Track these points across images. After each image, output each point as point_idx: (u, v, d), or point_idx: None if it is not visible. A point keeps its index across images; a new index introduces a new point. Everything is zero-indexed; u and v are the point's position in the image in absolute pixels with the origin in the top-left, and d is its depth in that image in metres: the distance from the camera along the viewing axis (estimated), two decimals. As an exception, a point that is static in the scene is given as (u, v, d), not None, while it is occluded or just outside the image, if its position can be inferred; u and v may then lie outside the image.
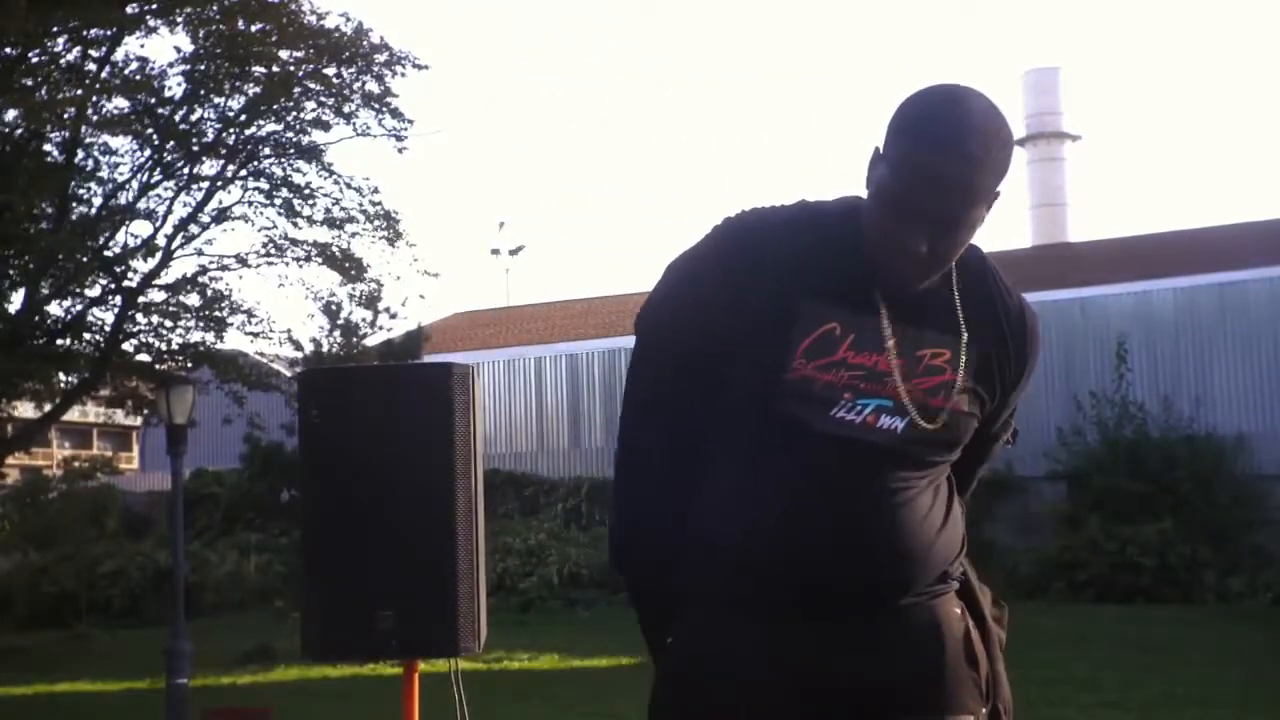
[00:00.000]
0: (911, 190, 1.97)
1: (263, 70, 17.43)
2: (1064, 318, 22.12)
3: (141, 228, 21.68)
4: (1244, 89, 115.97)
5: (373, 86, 17.77)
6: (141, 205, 18.01)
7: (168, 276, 17.99)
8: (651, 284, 2.26)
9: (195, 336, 18.32)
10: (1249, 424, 20.45)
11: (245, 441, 21.98)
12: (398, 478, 3.55)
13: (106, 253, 17.67)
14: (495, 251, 41.14)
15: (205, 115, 18.03)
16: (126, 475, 30.20)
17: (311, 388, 3.79)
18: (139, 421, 22.56)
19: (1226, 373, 21.31)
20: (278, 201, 18.18)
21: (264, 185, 18.25)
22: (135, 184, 17.95)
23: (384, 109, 17.91)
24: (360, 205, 18.23)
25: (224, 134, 18.06)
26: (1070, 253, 29.91)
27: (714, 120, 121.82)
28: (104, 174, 18.02)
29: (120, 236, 18.05)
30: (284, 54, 17.38)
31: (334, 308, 18.92)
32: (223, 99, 17.84)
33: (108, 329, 18.06)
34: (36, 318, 17.78)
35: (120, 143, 19.88)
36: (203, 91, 17.69)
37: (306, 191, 18.15)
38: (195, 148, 17.84)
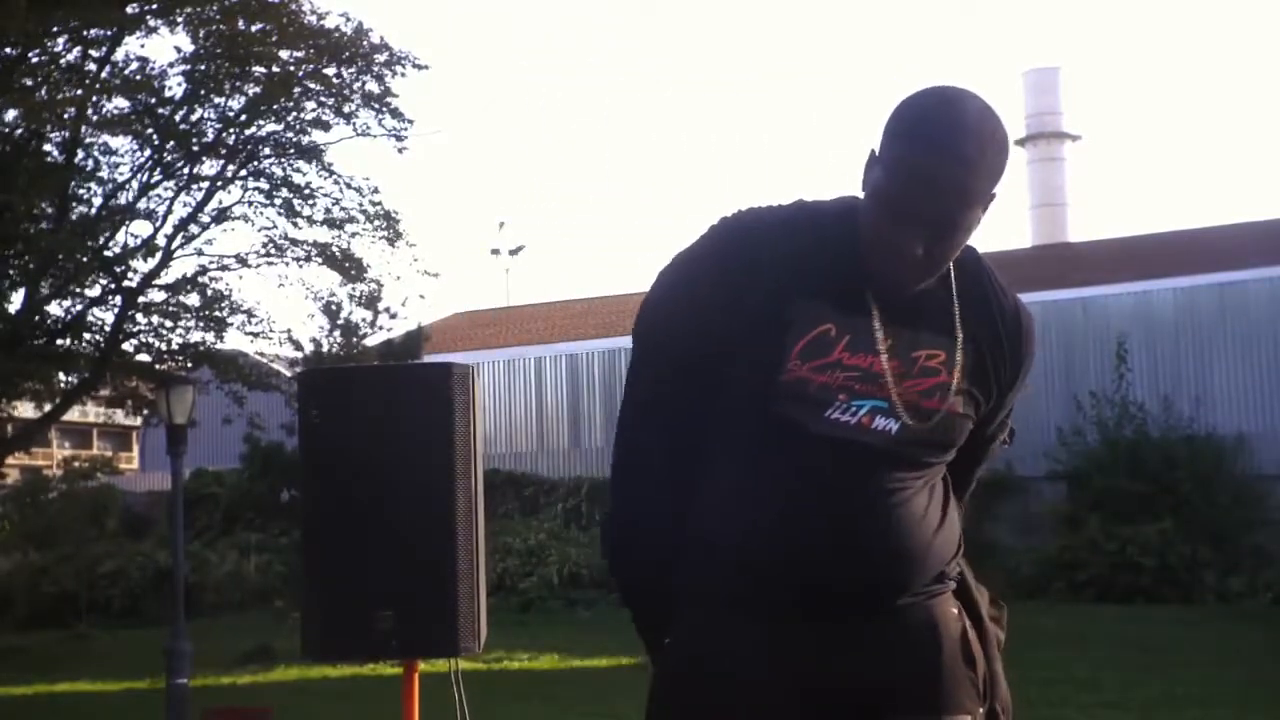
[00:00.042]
0: (907, 193, 1.97)
1: (263, 70, 17.43)
2: (1064, 318, 22.12)
3: (141, 228, 21.69)
4: (1244, 89, 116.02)
5: (373, 86, 17.78)
6: (141, 205, 18.04)
7: (168, 276, 18.02)
8: (650, 284, 2.26)
9: (195, 336, 18.35)
10: (1249, 424, 20.45)
11: (245, 441, 21.98)
12: (398, 478, 3.55)
13: (106, 253, 17.67)
14: (495, 251, 41.20)
15: (205, 115, 18.05)
16: (126, 475, 30.20)
17: (311, 388, 3.79)
18: (139, 421, 22.56)
19: (1226, 373, 21.31)
20: (278, 201, 18.19)
21: (264, 185, 18.26)
22: (135, 184, 17.97)
23: (384, 109, 17.91)
24: (360, 205, 18.25)
25: (224, 134, 18.06)
26: (1070, 253, 29.91)
27: (714, 120, 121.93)
28: (104, 174, 18.05)
29: (120, 236, 18.08)
30: (284, 54, 17.38)
31: (334, 308, 18.92)
32: (223, 99, 17.85)
33: (108, 329, 18.06)
34: (36, 318, 17.78)
35: (120, 143, 19.90)
36: (203, 91, 17.69)
37: (306, 191, 18.16)
38: (195, 148, 17.84)
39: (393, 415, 3.57)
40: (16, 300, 17.53)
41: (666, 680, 2.17)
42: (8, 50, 16.33)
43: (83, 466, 27.47)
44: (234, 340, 19.04)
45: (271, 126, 18.12)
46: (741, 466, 2.09)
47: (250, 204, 18.26)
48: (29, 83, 16.87)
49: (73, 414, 25.75)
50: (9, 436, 19.29)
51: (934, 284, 2.08)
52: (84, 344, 18.34)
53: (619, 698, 10.65)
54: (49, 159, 17.43)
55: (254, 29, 17.10)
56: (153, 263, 17.73)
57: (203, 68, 17.53)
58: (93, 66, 17.37)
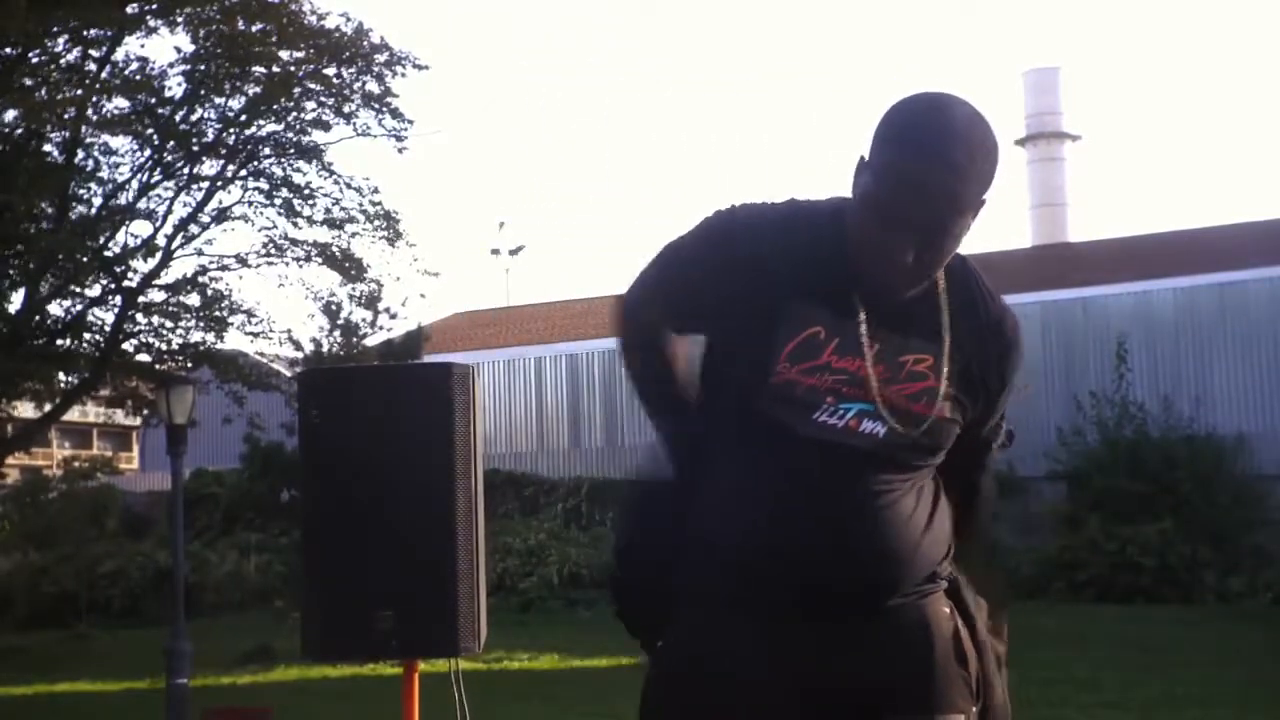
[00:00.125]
0: (897, 198, 1.98)
1: (263, 70, 17.43)
2: (1064, 318, 22.13)
3: (141, 228, 21.66)
4: (1244, 89, 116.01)
5: (373, 87, 17.78)
6: (141, 205, 18.03)
7: (168, 276, 18.02)
8: (641, 268, 2.27)
9: (195, 336, 18.34)
10: (1249, 424, 20.45)
11: (245, 441, 21.98)
12: (398, 478, 3.55)
13: (106, 253, 17.67)
14: (495, 251, 41.22)
15: (205, 115, 18.05)
16: (126, 475, 30.19)
17: (311, 388, 3.80)
18: (139, 421, 22.55)
19: (1226, 373, 21.31)
20: (278, 201, 18.19)
21: (264, 185, 18.26)
22: (135, 184, 17.96)
23: (384, 109, 17.91)
24: (360, 205, 18.25)
25: (224, 134, 18.06)
26: (1070, 253, 29.92)
27: (714, 120, 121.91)
28: (104, 174, 18.04)
29: (120, 236, 18.07)
30: (284, 54, 17.38)
31: (334, 308, 18.93)
32: (223, 99, 17.85)
33: (108, 329, 18.06)
34: (36, 318, 17.78)
35: (120, 143, 19.88)
36: (203, 91, 17.69)
37: (306, 191, 18.16)
38: (195, 148, 17.84)
39: (393, 415, 3.57)
40: (16, 300, 17.54)
41: (665, 680, 2.17)
42: (8, 50, 16.33)
43: (83, 466, 27.46)
44: (234, 340, 19.06)
45: (271, 126, 18.13)
46: (736, 467, 2.10)
47: (250, 204, 18.28)
48: (29, 83, 16.86)
49: (73, 414, 25.74)
50: (9, 436, 19.29)
51: (923, 289, 2.09)
52: (84, 344, 18.33)
53: (619, 698, 10.62)
54: (49, 159, 17.43)
55: (254, 29, 17.10)
56: (153, 263, 17.74)
57: (203, 68, 17.53)
58: (93, 66, 17.37)
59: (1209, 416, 19.94)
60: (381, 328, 19.16)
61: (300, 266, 18.49)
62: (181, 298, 18.13)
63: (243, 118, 17.88)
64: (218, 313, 18.07)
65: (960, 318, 2.13)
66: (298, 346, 18.96)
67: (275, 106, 17.71)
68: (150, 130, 17.69)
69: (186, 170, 18.08)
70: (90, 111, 17.00)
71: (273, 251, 18.28)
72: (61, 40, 16.96)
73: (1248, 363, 21.27)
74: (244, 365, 19.16)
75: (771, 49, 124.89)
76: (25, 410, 20.52)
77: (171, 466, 13.27)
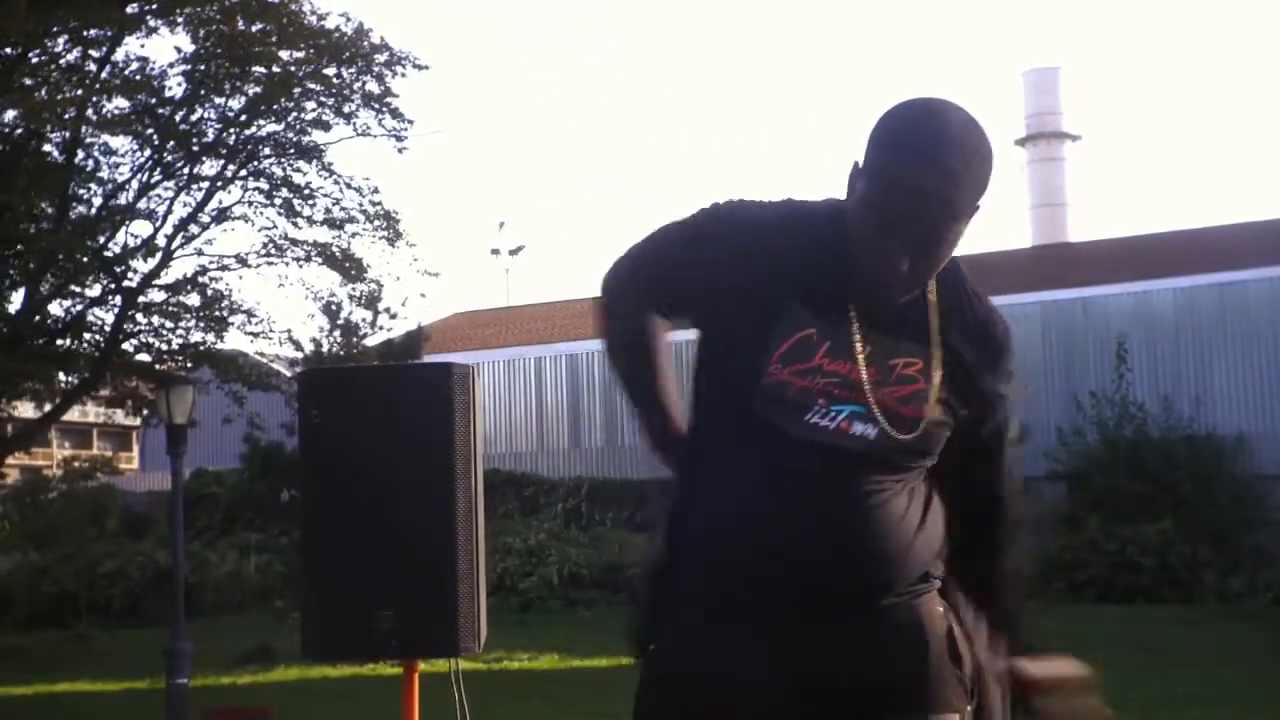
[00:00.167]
0: (892, 204, 1.98)
1: (263, 70, 17.43)
2: (1064, 318, 22.13)
3: (141, 228, 21.65)
4: (1244, 89, 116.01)
5: (373, 87, 17.79)
6: (141, 205, 18.04)
7: (168, 276, 18.03)
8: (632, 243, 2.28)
9: (195, 336, 18.34)
10: (1249, 424, 20.44)
11: (245, 441, 21.97)
12: (398, 478, 3.55)
13: (106, 253, 17.67)
14: (495, 251, 41.22)
15: (205, 115, 18.05)
16: (126, 475, 30.18)
17: (311, 388, 3.80)
18: (139, 421, 22.55)
19: (1226, 373, 21.30)
20: (278, 201, 18.19)
21: (264, 185, 18.26)
22: (135, 184, 17.97)
23: (384, 109, 17.92)
24: (360, 205, 18.25)
25: (224, 134, 18.06)
26: (1070, 253, 29.91)
27: (714, 120, 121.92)
28: (104, 174, 18.05)
29: (120, 236, 18.08)
30: (284, 54, 17.38)
31: (334, 308, 18.92)
32: (223, 99, 17.85)
33: (108, 329, 18.06)
34: (36, 318, 17.78)
35: (120, 143, 19.88)
36: (203, 91, 17.69)
37: (306, 191, 18.16)
38: (195, 148, 17.85)
39: (393, 415, 3.57)
40: (16, 300, 17.54)
41: (663, 682, 2.17)
42: (8, 50, 16.34)
43: (83, 466, 27.46)
44: (234, 340, 19.07)
45: (271, 126, 18.14)
46: (731, 467, 2.11)
47: (250, 204, 18.29)
48: (29, 83, 16.87)
49: (73, 414, 25.73)
50: (9, 436, 19.28)
51: (913, 293, 2.11)
52: (84, 344, 18.34)
53: (619, 698, 10.56)
54: (49, 159, 17.43)
55: (254, 29, 17.10)
56: (153, 263, 17.75)
57: (203, 68, 17.53)
58: (93, 66, 17.37)
59: (1209, 416, 19.94)
60: (381, 328, 19.19)
61: (300, 266, 18.52)
62: (181, 298, 18.14)
63: (243, 118, 17.89)
64: (218, 313, 18.08)
65: (950, 321, 2.14)
66: (298, 346, 18.97)
67: (275, 106, 17.71)
68: (150, 130, 17.69)
69: (186, 170, 18.08)
70: (90, 111, 17.00)
71: (273, 251, 18.29)
72: (61, 40, 16.98)
73: (1248, 363, 21.26)
74: (244, 365, 19.16)
75: (771, 49, 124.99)
76: (25, 410, 20.51)
77: (171, 466, 13.27)
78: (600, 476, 22.95)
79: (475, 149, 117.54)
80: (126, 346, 18.31)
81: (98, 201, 18.06)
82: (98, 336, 18.25)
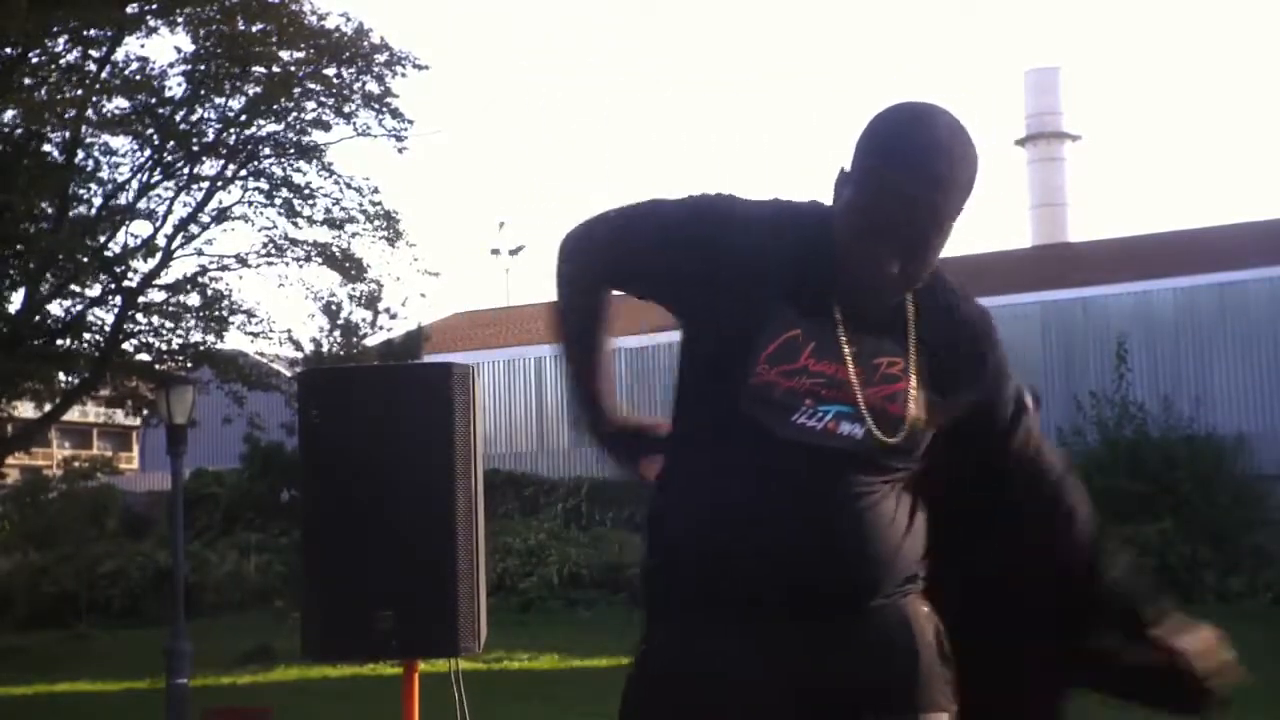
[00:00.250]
0: (881, 209, 2.00)
1: (263, 70, 17.44)
2: (1064, 318, 22.13)
3: (141, 228, 21.60)
4: (1244, 89, 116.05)
5: (373, 87, 17.80)
6: (141, 205, 18.05)
7: (168, 276, 18.04)
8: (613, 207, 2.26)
9: (195, 336, 18.35)
10: (1249, 424, 20.45)
11: (245, 441, 21.96)
12: (398, 478, 3.55)
13: (106, 253, 17.68)
14: (495, 251, 41.25)
15: (205, 115, 18.07)
16: (126, 475, 30.19)
17: (311, 388, 3.80)
18: (139, 421, 22.56)
19: (1226, 373, 21.30)
20: (278, 201, 18.20)
21: (264, 185, 18.28)
22: (135, 184, 17.98)
23: (384, 109, 17.93)
24: (360, 205, 18.27)
25: (224, 134, 18.07)
26: (1070, 253, 29.91)
27: (714, 120, 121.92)
28: (104, 174, 18.06)
29: (120, 236, 18.10)
30: (284, 54, 17.39)
31: (334, 308, 18.92)
32: (223, 99, 17.86)
33: (108, 329, 18.07)
34: (36, 318, 17.79)
35: (120, 143, 19.88)
36: (203, 91, 17.70)
37: (306, 191, 18.17)
38: (195, 148, 17.85)
39: (393, 415, 3.57)
40: (16, 300, 17.55)
41: (652, 682, 2.17)
42: (8, 50, 16.34)
43: (83, 466, 27.47)
44: (234, 340, 19.08)
45: (271, 126, 18.15)
46: (716, 467, 2.11)
47: (250, 204, 18.30)
48: (29, 83, 16.88)
49: (73, 414, 25.75)
50: (9, 436, 19.29)
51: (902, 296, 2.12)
52: (84, 344, 18.34)
53: (619, 698, 10.64)
54: (49, 159, 17.44)
55: (254, 29, 17.12)
56: (153, 263, 17.76)
57: (203, 68, 17.54)
58: (93, 66, 17.39)
59: (1209, 416, 19.94)
60: (381, 328, 19.19)
61: (300, 266, 18.53)
62: (181, 298, 18.15)
63: (243, 118, 17.90)
64: (218, 313, 18.09)
65: (929, 318, 2.14)
66: (298, 346, 18.97)
67: (275, 106, 17.72)
68: (150, 130, 17.70)
69: (186, 170, 18.09)
70: (90, 111, 17.01)
71: (273, 251, 18.30)
72: (61, 40, 17.00)
73: (1248, 363, 21.27)
74: (244, 365, 19.17)
75: (771, 49, 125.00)
76: (25, 410, 20.52)
77: (171, 466, 13.28)
78: (600, 476, 22.92)
79: (475, 149, 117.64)
80: (126, 346, 18.33)
81: (98, 201, 18.10)
82: (98, 336, 18.26)
